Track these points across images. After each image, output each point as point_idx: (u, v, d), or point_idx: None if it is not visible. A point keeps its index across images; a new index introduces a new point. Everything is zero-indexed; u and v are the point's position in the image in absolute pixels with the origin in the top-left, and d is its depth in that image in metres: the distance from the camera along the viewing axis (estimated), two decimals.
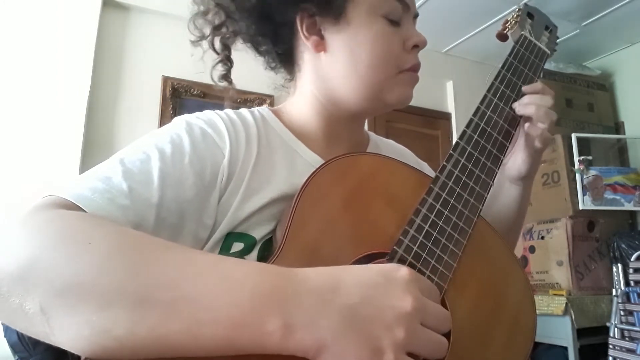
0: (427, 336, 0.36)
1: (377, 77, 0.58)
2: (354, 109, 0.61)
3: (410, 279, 0.37)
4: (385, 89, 0.59)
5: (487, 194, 0.55)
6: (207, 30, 0.61)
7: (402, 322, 0.35)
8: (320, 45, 0.59)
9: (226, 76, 0.64)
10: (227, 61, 0.63)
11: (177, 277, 0.35)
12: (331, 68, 0.59)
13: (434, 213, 0.51)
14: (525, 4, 0.73)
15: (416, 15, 0.62)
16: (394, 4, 0.57)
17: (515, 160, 0.65)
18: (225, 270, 0.36)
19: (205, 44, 0.62)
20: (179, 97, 2.29)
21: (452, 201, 0.52)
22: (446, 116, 3.07)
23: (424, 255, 0.48)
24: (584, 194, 2.30)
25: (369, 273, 0.37)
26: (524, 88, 0.63)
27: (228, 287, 0.34)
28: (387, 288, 0.36)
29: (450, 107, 3.09)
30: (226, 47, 0.63)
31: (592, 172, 2.36)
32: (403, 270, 0.38)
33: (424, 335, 0.36)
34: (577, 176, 2.33)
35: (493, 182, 0.56)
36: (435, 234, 0.50)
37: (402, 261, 0.47)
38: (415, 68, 0.60)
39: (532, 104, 0.60)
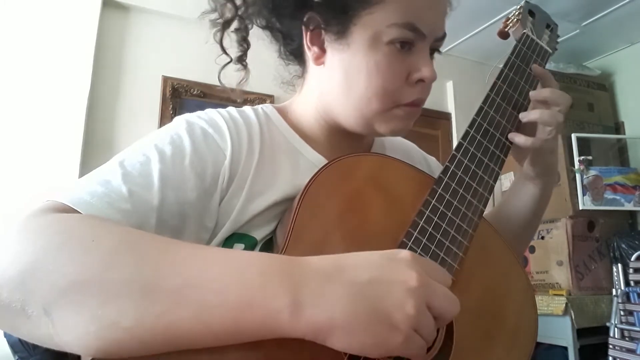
0: (432, 319, 0.36)
1: (369, 108, 0.54)
2: (347, 128, 0.58)
3: (412, 259, 0.38)
4: (377, 120, 0.55)
5: (490, 195, 0.55)
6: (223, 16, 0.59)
7: (411, 296, 0.34)
8: (320, 59, 0.56)
9: (241, 58, 0.62)
10: (243, 42, 0.61)
11: (184, 265, 0.35)
12: (328, 84, 0.57)
13: (437, 214, 0.51)
14: (527, 2, 0.72)
15: (442, 37, 0.56)
16: (404, 32, 0.51)
17: (528, 160, 0.63)
18: (231, 257, 0.36)
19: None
20: (179, 97, 2.28)
21: (455, 203, 0.52)
22: (446, 116, 3.06)
23: (427, 257, 0.48)
24: (584, 194, 2.30)
25: (372, 257, 0.38)
26: (531, 93, 0.61)
27: (235, 270, 0.35)
28: (392, 267, 0.36)
29: (450, 107, 3.08)
30: (245, 29, 0.60)
31: (592, 172, 2.36)
32: (404, 252, 0.38)
33: (430, 317, 0.36)
34: (577, 176, 2.32)
35: (495, 183, 0.56)
36: (438, 235, 0.50)
37: None
38: (417, 103, 0.55)
39: (535, 110, 0.59)
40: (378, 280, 0.35)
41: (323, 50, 0.56)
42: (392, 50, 0.52)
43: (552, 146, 0.61)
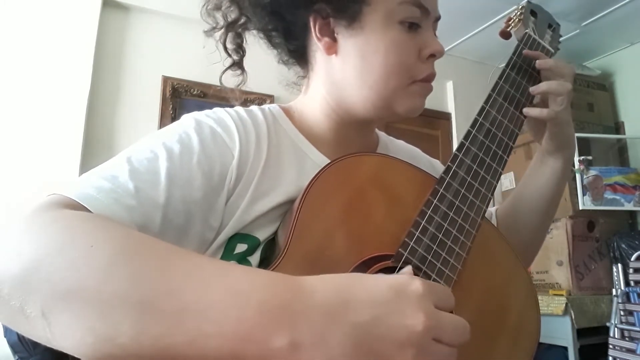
0: (439, 354, 0.35)
1: (388, 86, 0.55)
2: (362, 115, 0.59)
3: (423, 293, 0.35)
4: (395, 99, 0.56)
5: (492, 195, 0.55)
6: (221, 22, 0.59)
7: (414, 341, 0.33)
8: (332, 48, 0.57)
9: (239, 64, 0.62)
10: (239, 49, 0.61)
11: (183, 286, 0.33)
12: (342, 72, 0.57)
13: (439, 215, 0.50)
14: (529, 2, 0.72)
15: (438, 18, 0.59)
16: (412, 9, 0.55)
17: (546, 135, 0.65)
18: (232, 281, 0.35)
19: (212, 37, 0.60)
20: (179, 97, 2.28)
21: (457, 203, 0.52)
22: (446, 116, 3.06)
23: (430, 257, 0.48)
24: (584, 194, 2.30)
25: (380, 288, 0.35)
26: (537, 62, 0.64)
27: (235, 301, 0.33)
28: (399, 305, 0.34)
29: (450, 107, 3.08)
30: (239, 36, 0.61)
31: (592, 172, 2.36)
32: (416, 284, 0.35)
33: (435, 353, 0.34)
34: (577, 176, 2.33)
35: (497, 183, 0.56)
36: (440, 236, 0.49)
37: (406, 263, 0.47)
38: (429, 78, 0.58)
39: (544, 82, 0.62)
40: (381, 321, 0.33)
41: (334, 40, 0.57)
42: (403, 29, 0.55)
43: (566, 117, 0.63)
